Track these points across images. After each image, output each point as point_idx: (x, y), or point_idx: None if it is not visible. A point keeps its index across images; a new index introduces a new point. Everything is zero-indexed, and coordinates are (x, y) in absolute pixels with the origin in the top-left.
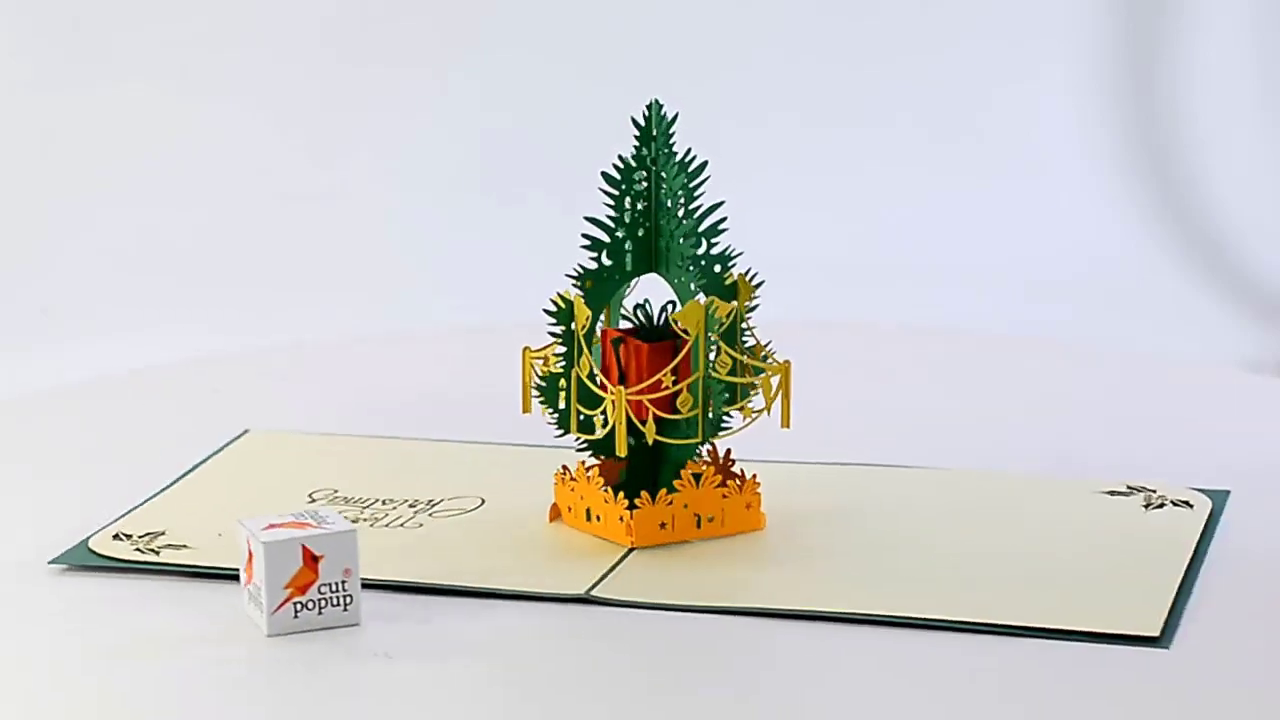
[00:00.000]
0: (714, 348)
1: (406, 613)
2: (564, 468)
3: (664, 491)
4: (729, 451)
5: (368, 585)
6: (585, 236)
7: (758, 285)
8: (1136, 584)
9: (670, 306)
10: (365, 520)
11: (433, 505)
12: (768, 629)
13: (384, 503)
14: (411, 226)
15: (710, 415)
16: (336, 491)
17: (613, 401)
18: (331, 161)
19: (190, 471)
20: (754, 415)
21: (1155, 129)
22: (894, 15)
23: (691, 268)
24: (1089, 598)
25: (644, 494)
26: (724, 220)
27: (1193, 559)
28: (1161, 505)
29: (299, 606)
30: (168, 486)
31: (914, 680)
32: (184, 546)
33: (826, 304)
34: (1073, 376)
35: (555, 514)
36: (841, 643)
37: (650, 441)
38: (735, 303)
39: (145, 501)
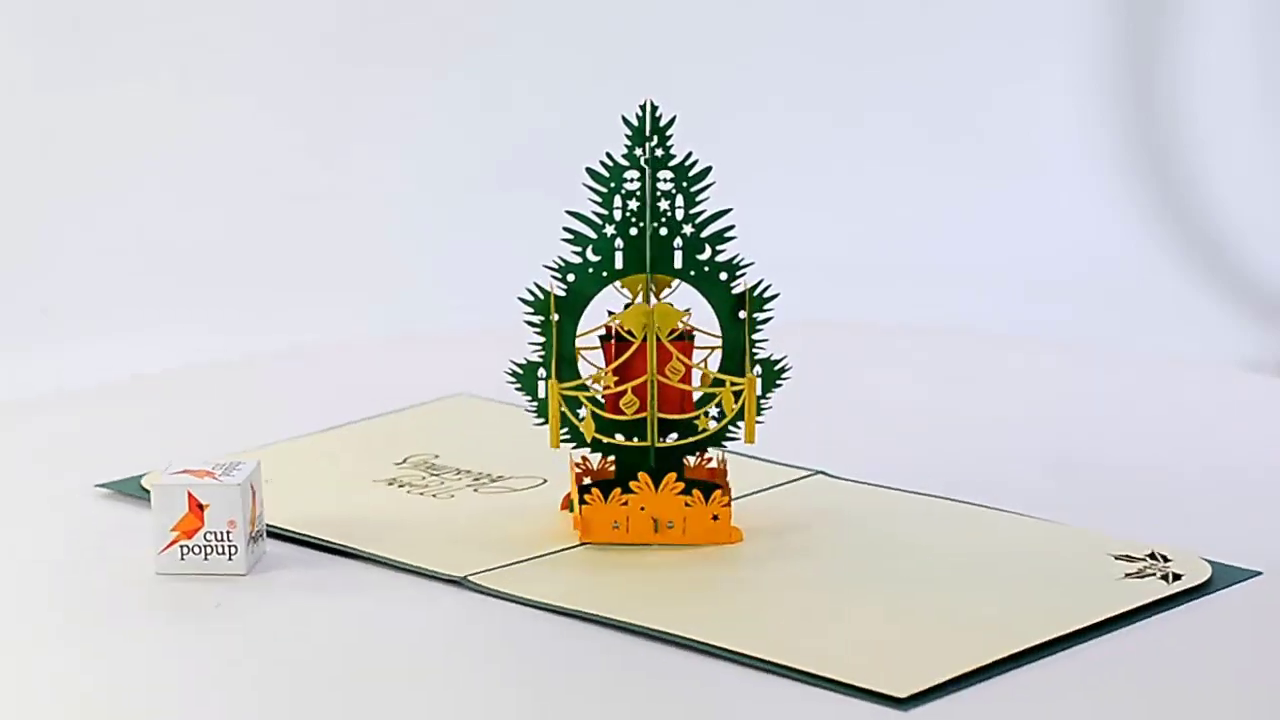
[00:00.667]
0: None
1: (311, 569)
2: (595, 489)
3: (618, 491)
4: (724, 460)
5: (307, 541)
6: (568, 230)
7: (770, 298)
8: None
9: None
10: (419, 489)
11: (494, 480)
12: (609, 642)
13: (456, 473)
14: (412, 226)
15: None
16: (437, 457)
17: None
18: (332, 161)
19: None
20: (710, 430)
21: (1155, 129)
22: (894, 15)
23: (692, 271)
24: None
25: (595, 491)
26: (731, 228)
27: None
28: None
29: (184, 550)
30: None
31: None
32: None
33: (826, 304)
34: (1073, 376)
35: (566, 503)
36: (669, 665)
37: (589, 439)
38: (688, 309)
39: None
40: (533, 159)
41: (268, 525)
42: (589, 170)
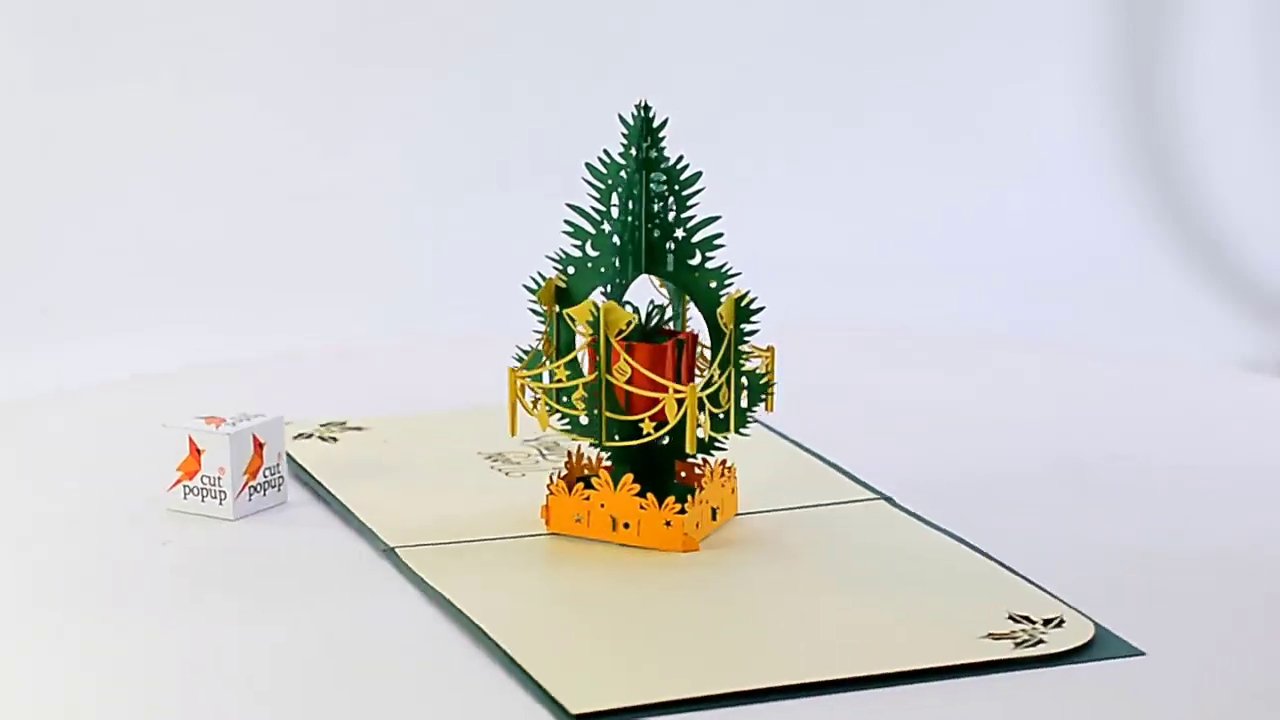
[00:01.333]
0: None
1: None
2: (564, 480)
3: (580, 486)
4: (706, 462)
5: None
6: (568, 224)
7: (757, 310)
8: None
9: (658, 312)
10: (502, 463)
11: (548, 456)
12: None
13: (545, 451)
14: (413, 227)
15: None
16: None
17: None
18: (332, 161)
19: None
20: (654, 434)
21: (1155, 129)
22: (894, 15)
23: (682, 276)
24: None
25: (559, 483)
26: (720, 235)
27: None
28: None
29: (186, 490)
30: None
31: None
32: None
33: (826, 304)
34: (1073, 376)
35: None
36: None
37: (544, 428)
38: (636, 311)
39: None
40: (532, 159)
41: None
42: (588, 166)
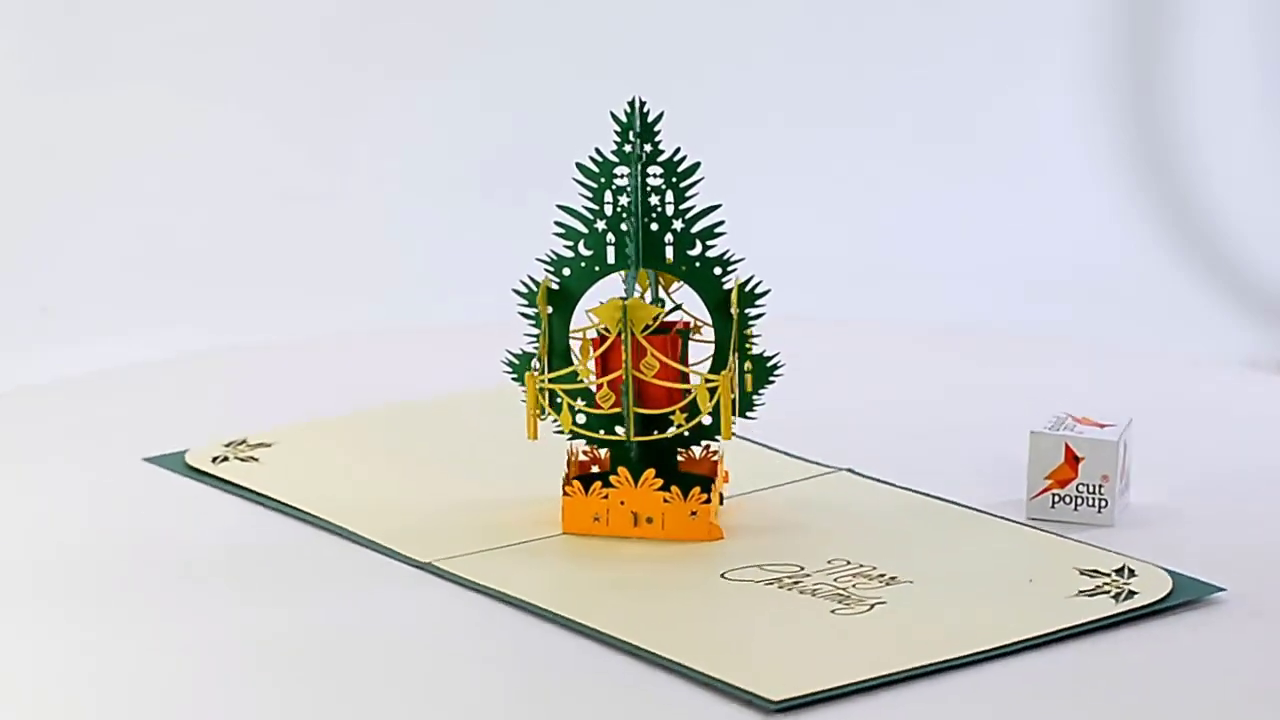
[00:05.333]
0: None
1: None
2: (578, 481)
3: (598, 485)
4: (717, 453)
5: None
6: (558, 225)
7: (761, 294)
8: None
9: (659, 304)
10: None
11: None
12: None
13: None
14: (411, 226)
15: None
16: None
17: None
18: (331, 162)
19: None
20: (686, 425)
21: (1155, 129)
22: (894, 16)
23: (683, 267)
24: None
25: (576, 483)
26: (721, 224)
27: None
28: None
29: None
30: None
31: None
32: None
33: (827, 304)
34: (1073, 376)
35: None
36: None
37: (566, 431)
38: (661, 307)
39: None
40: (528, 160)
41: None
42: (579, 165)
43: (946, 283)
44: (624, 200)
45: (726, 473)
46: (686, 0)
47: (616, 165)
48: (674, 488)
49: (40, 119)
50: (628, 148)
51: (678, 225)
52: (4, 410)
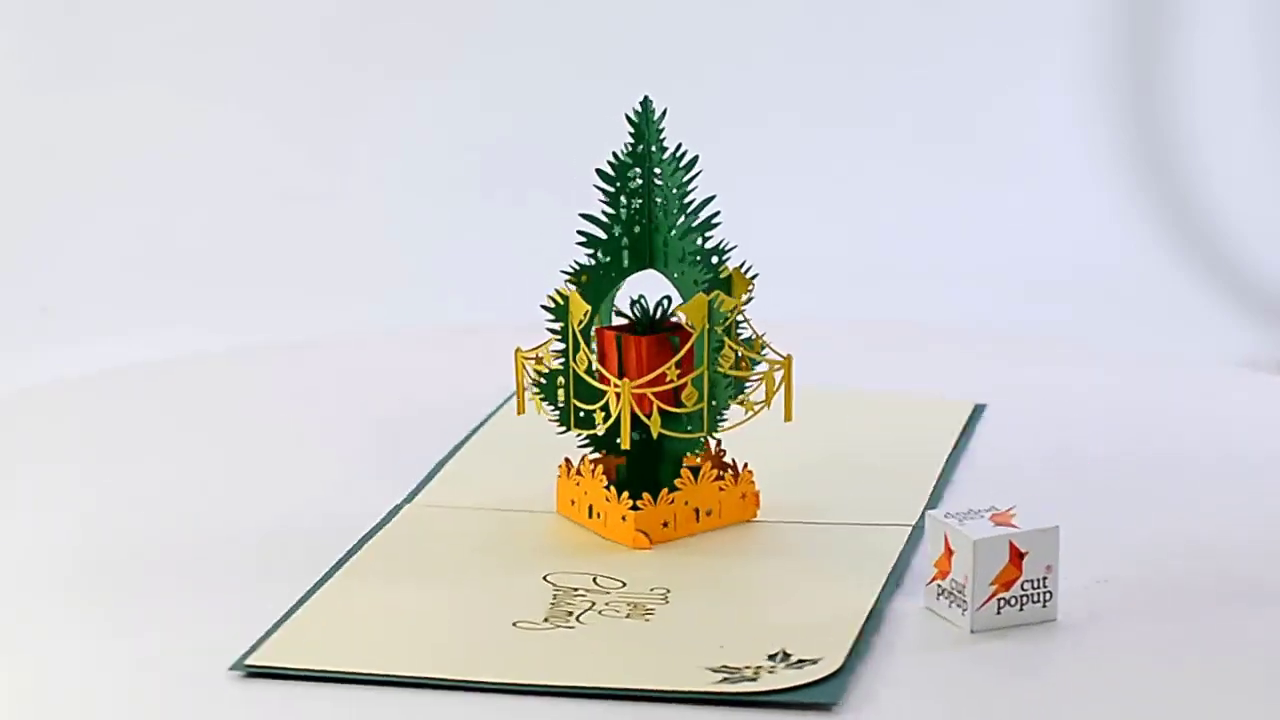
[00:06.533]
0: (719, 342)
1: None
2: (567, 461)
3: (665, 490)
4: (719, 443)
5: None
6: (581, 234)
7: (753, 278)
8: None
9: (666, 301)
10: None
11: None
12: None
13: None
14: (411, 226)
15: (714, 409)
16: None
17: (616, 394)
18: (331, 162)
19: None
20: (755, 409)
21: (1155, 129)
22: (894, 17)
23: (697, 260)
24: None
25: (645, 495)
26: (717, 214)
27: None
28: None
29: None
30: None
31: None
32: None
33: (826, 304)
34: (1073, 376)
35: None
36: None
37: (655, 435)
38: (736, 297)
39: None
40: (529, 160)
41: None
42: (598, 171)
43: (946, 283)
44: (637, 203)
45: (748, 492)
46: (686, 0)
47: (630, 167)
48: (727, 475)
49: (40, 119)
50: (640, 149)
51: (679, 219)
52: (4, 410)
